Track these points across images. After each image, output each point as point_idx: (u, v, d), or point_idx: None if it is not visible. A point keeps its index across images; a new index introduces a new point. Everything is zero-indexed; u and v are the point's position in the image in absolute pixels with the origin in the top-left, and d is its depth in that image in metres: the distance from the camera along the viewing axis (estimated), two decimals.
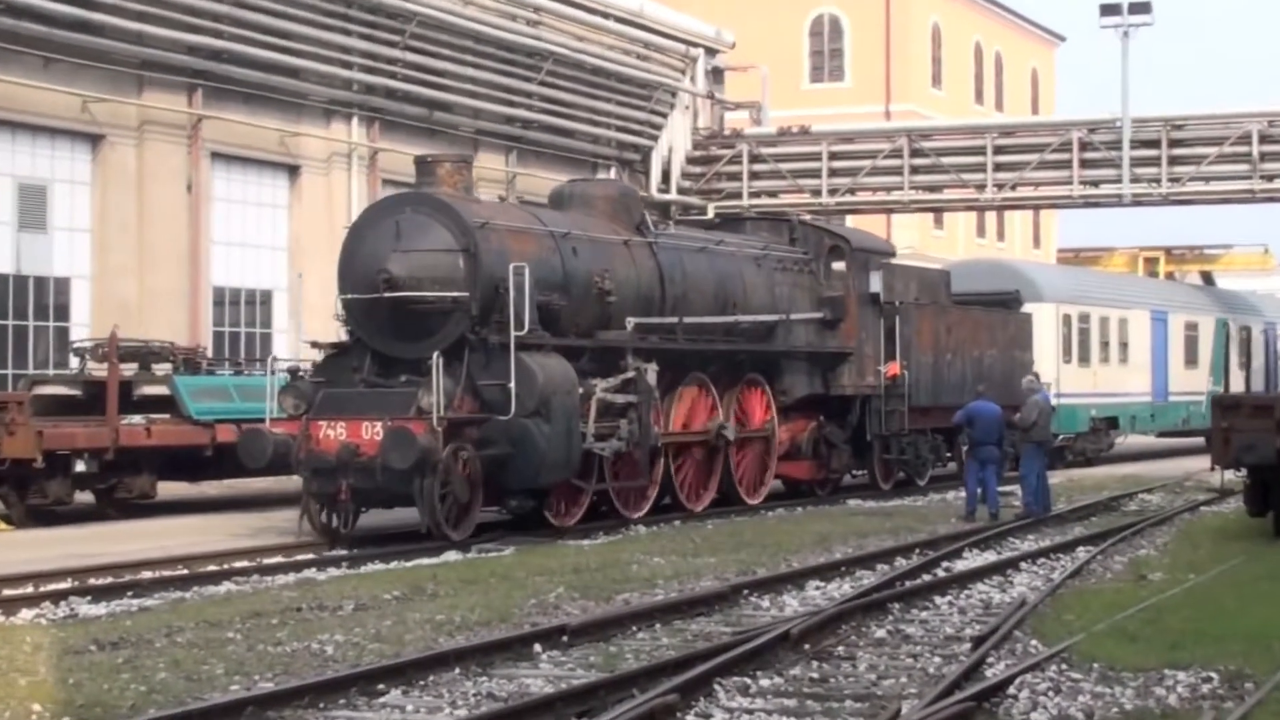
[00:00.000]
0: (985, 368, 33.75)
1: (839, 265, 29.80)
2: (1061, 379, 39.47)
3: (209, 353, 30.02)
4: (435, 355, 20.92)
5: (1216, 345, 48.81)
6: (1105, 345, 42.80)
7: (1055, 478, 28.81)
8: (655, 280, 25.12)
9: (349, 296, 22.26)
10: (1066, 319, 41.08)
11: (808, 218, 33.89)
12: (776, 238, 29.36)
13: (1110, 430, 42.87)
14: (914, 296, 32.03)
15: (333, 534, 21.78)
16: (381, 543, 21.65)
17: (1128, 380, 43.50)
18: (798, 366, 28.63)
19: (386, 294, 21.61)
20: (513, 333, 21.32)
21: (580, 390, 22.52)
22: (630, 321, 24.17)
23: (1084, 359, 41.66)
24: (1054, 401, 36.82)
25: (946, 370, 32.34)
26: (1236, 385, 48.74)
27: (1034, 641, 13.68)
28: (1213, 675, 12.10)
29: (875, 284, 30.28)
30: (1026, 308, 38.00)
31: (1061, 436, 38.96)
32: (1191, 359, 47.41)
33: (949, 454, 32.90)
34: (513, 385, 21.26)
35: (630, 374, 23.66)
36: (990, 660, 12.82)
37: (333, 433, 21.26)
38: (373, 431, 20.94)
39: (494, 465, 21.59)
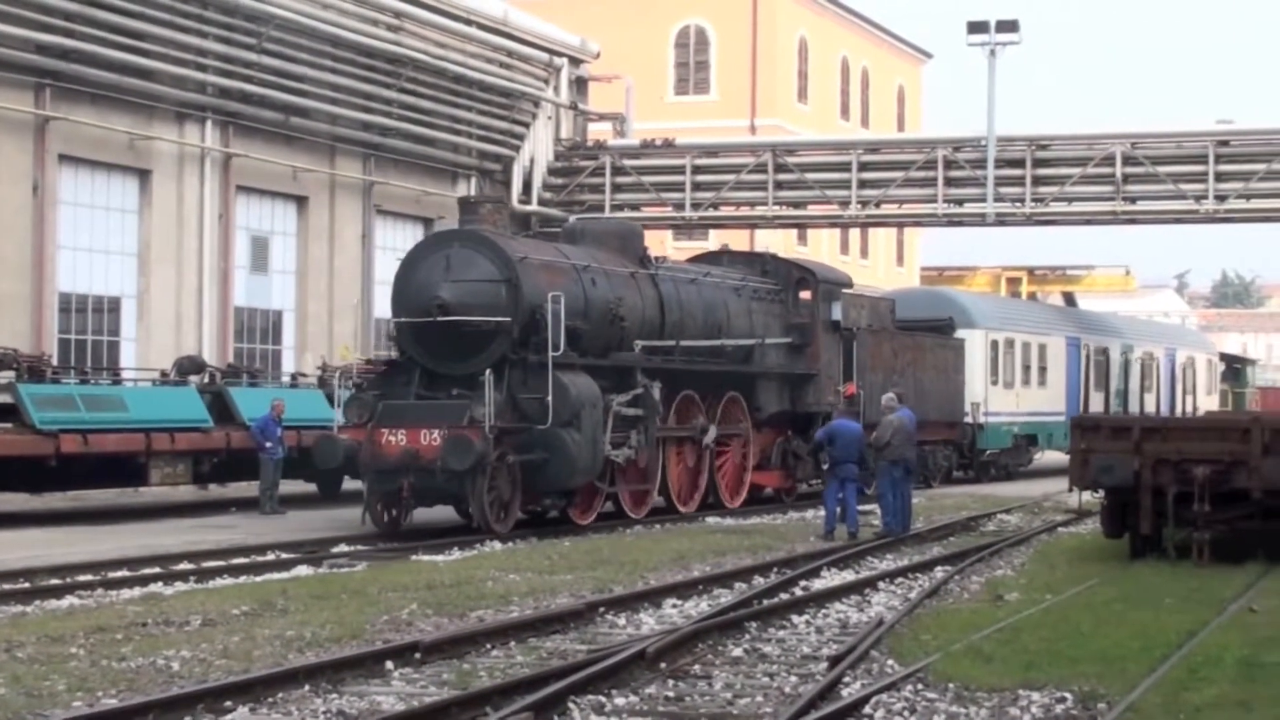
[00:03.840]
0: (927, 387, 37.61)
1: (805, 295, 33.23)
2: (989, 399, 42.50)
3: (54, 360, 29.42)
4: (487, 372, 24.14)
5: (1123, 370, 51.40)
6: (1027, 369, 45.44)
7: (918, 498, 29.02)
8: (657, 308, 28.55)
9: (403, 320, 25.50)
10: (994, 344, 43.68)
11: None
12: (751, 270, 32.86)
13: (1030, 447, 45.79)
14: (866, 323, 35.45)
15: (391, 527, 24.83)
16: (428, 537, 24.13)
17: (1045, 401, 45.87)
18: (770, 386, 31.88)
19: (440, 318, 24.78)
20: (550, 353, 24.56)
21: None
22: (638, 344, 27.65)
23: (1008, 382, 44.25)
24: (981, 420, 41.18)
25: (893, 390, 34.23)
26: (1145, 408, 51.94)
27: (890, 661, 13.71)
28: (1067, 695, 12.19)
29: (837, 312, 33.73)
30: (960, 333, 41.59)
31: (988, 452, 42.69)
32: (1101, 383, 49.93)
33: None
34: (550, 399, 24.52)
35: (639, 390, 26.97)
36: (846, 680, 12.88)
37: (394, 439, 24.37)
38: (430, 438, 24.10)
39: (531, 469, 24.78)
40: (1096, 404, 48.81)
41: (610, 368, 26.89)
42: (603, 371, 26.50)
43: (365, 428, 24.65)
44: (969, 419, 41.58)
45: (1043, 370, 46.32)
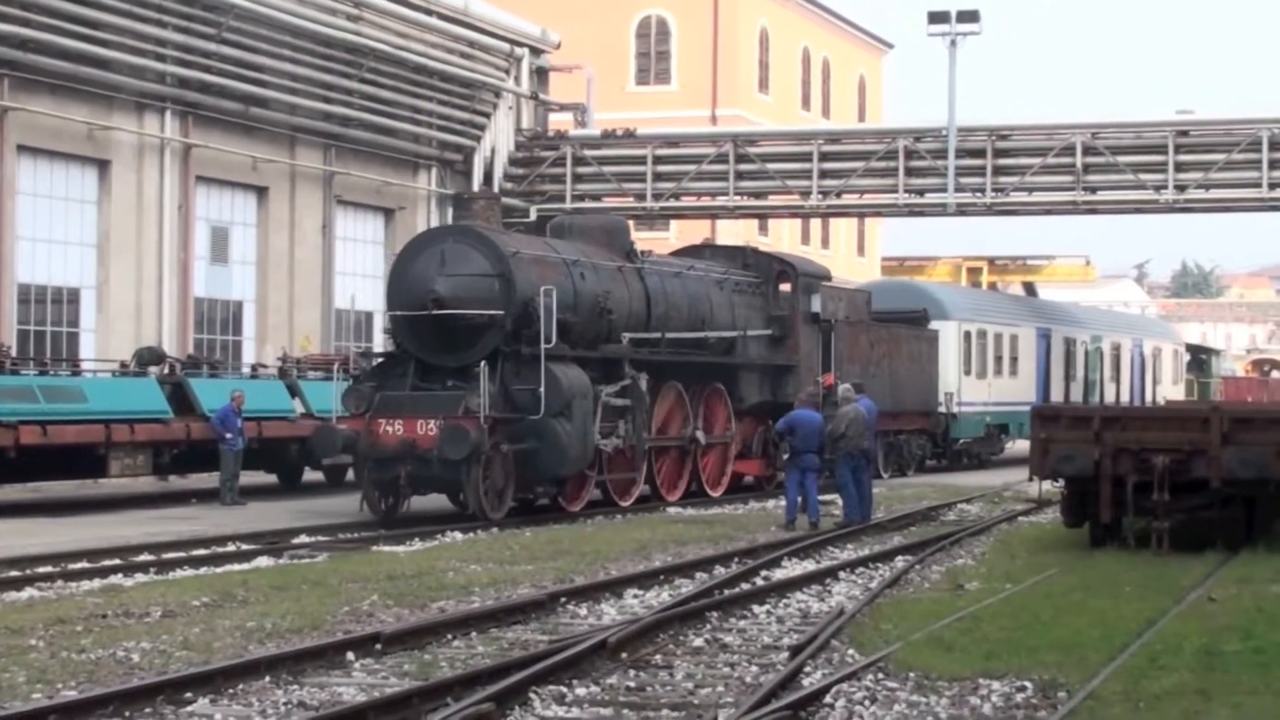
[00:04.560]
0: (903, 377, 38.64)
1: (785, 288, 34.01)
2: (962, 389, 43.20)
3: (13, 352, 29.25)
4: (482, 364, 24.79)
5: (1091, 361, 52.26)
6: (999, 360, 46.13)
7: (878, 488, 29.11)
8: (643, 301, 29.24)
9: (399, 313, 26.13)
10: (967, 335, 44.30)
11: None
12: (733, 263, 33.68)
13: (1002, 435, 46.36)
14: (844, 315, 36.17)
15: (388, 514, 25.47)
16: (423, 523, 24.92)
17: (1016, 391, 46.35)
18: (752, 377, 32.68)
19: (435, 311, 25.38)
20: (543, 345, 25.23)
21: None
22: (626, 336, 28.30)
23: (981, 372, 44.87)
24: (955, 409, 42.07)
25: (871, 380, 35.50)
26: (1109, 398, 52.62)
27: (851, 651, 13.72)
28: (1027, 684, 12.23)
29: (816, 305, 34.48)
30: (934, 325, 42.35)
31: (961, 441, 43.49)
32: (1070, 373, 50.65)
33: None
34: (542, 390, 25.10)
35: (627, 381, 27.67)
36: (807, 669, 12.89)
37: (391, 429, 25.05)
38: (426, 428, 24.76)
39: (524, 458, 25.42)
40: (1063, 394, 49.33)
41: (599, 359, 27.55)
42: (592, 363, 27.15)
43: (363, 418, 25.30)
44: (943, 409, 42.25)
45: (1014, 361, 47.00)
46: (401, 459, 24.87)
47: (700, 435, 30.30)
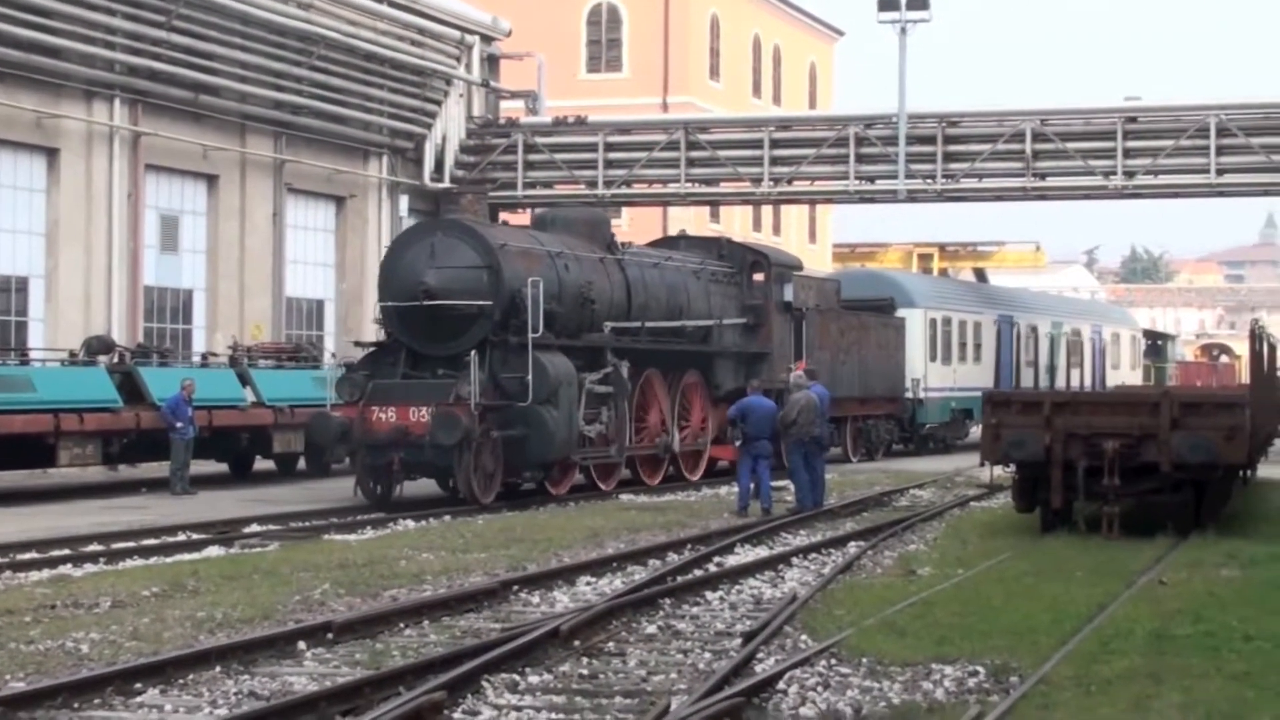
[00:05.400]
0: (871, 364, 39.67)
1: (759, 277, 34.98)
2: (928, 375, 44.10)
3: None
4: (473, 353, 25.59)
5: (1052, 347, 53.01)
6: (963, 346, 47.01)
7: (833, 473, 29.17)
8: (624, 291, 30.18)
9: (389, 304, 26.90)
10: (933, 323, 45.18)
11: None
12: (708, 254, 34.55)
13: (966, 420, 46.84)
14: (815, 303, 37.14)
15: (381, 500, 26.09)
16: (418, 508, 25.42)
17: (980, 377, 46.81)
18: (727, 364, 33.49)
19: (425, 302, 26.24)
20: (530, 335, 26.05)
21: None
22: (608, 326, 29.19)
23: (946, 358, 45.78)
24: (921, 395, 42.98)
25: (841, 367, 37.12)
26: (1072, 383, 53.10)
27: (804, 636, 13.75)
28: (979, 669, 12.27)
29: (788, 294, 35.47)
30: (900, 312, 43.27)
31: (927, 426, 44.41)
32: (1032, 359, 51.48)
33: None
34: (530, 378, 25.92)
35: (610, 369, 28.52)
36: (760, 655, 12.91)
37: (384, 416, 25.85)
38: (419, 415, 25.55)
39: (512, 444, 26.13)
40: (1028, 379, 50.04)
41: (583, 348, 28.34)
42: (576, 351, 27.92)
43: (357, 405, 26.08)
44: (909, 394, 43.05)
45: (978, 347, 47.79)
46: (394, 445, 25.58)
47: (676, 444, 31.03)
